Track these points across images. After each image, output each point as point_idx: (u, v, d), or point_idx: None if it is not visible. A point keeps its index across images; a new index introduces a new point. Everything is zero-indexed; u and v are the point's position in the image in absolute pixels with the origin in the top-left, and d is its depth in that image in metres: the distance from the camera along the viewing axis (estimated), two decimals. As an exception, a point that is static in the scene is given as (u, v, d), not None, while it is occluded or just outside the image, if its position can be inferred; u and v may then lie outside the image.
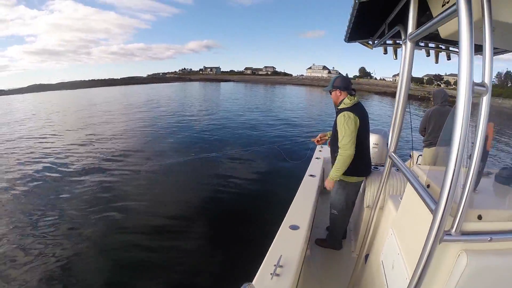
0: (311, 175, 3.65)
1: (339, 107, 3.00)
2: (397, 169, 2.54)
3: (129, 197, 6.90)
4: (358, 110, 2.92)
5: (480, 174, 1.36)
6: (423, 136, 4.69)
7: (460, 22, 1.07)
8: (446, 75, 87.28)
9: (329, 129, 3.35)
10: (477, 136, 1.11)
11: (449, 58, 2.86)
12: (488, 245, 1.20)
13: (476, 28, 1.13)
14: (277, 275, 1.78)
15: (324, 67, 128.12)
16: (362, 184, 3.32)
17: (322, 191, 4.18)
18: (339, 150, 2.87)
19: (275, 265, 1.82)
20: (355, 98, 2.98)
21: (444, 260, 1.26)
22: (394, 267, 1.71)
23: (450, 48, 2.74)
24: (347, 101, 2.94)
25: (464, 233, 1.18)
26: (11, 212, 6.36)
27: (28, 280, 4.14)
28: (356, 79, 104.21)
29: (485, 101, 1.10)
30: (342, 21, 2.42)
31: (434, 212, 1.16)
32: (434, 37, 2.56)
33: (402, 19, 2.01)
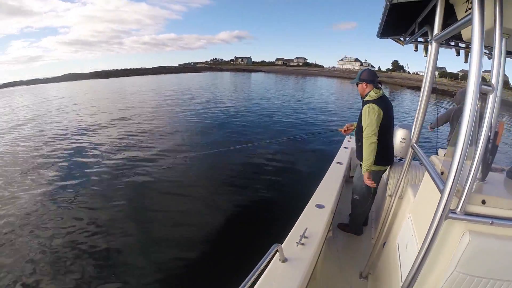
0: (338, 163, 3.85)
1: (365, 99, 3.14)
2: (420, 163, 2.68)
3: (165, 184, 7.24)
4: (383, 102, 3.05)
5: (489, 166, 1.52)
6: (431, 130, 4.79)
7: (473, 29, 1.23)
8: (482, 71, 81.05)
9: (356, 120, 3.50)
10: (482, 130, 1.26)
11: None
12: (490, 228, 1.35)
13: (491, 34, 1.30)
14: (302, 244, 2.03)
15: (356, 60, 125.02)
16: (386, 174, 3.47)
17: (348, 179, 4.36)
18: (362, 140, 3.04)
19: (300, 235, 2.06)
20: (381, 91, 3.12)
21: (449, 238, 1.43)
22: (407, 247, 1.87)
23: None
24: (373, 94, 3.07)
25: (468, 214, 1.35)
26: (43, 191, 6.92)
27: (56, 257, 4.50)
28: (389, 72, 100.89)
29: (491, 99, 1.25)
30: (374, 13, 2.51)
31: (442, 191, 1.34)
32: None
33: (430, 20, 2.12)
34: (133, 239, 4.91)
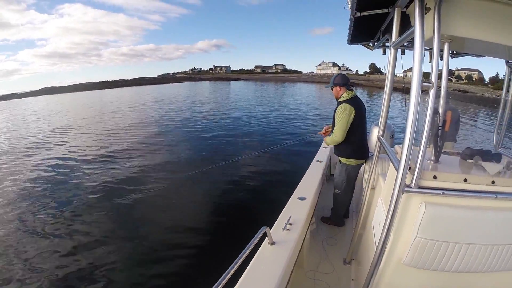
0: (318, 161, 4.18)
1: (339, 100, 3.49)
2: None
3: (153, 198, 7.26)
4: (355, 102, 3.40)
5: (440, 149, 1.82)
6: None
7: (415, 38, 1.52)
8: (457, 69, 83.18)
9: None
10: (427, 118, 1.54)
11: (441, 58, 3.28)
12: (442, 199, 1.64)
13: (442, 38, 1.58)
14: (287, 229, 2.28)
15: (334, 64, 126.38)
16: (363, 167, 3.77)
17: (328, 177, 4.65)
18: (332, 133, 3.43)
19: (285, 222, 2.32)
20: (353, 92, 3.48)
21: (410, 209, 1.71)
22: (379, 226, 2.14)
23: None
24: (345, 95, 3.44)
25: (421, 187, 1.62)
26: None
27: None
28: (366, 75, 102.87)
29: (431, 93, 1.52)
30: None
31: (397, 169, 1.61)
32: None
33: (391, 28, 2.43)
34: (126, 242, 5.21)
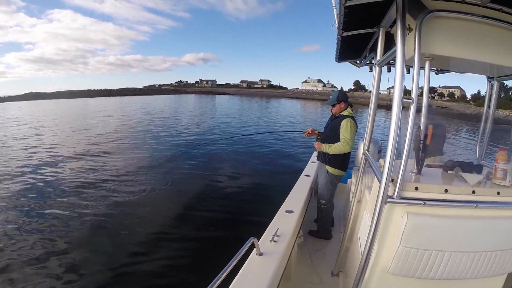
0: (306, 175, 4.26)
1: (342, 113, 3.64)
2: None
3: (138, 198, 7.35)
4: (355, 120, 3.61)
5: (422, 161, 1.90)
6: None
7: (396, 57, 1.62)
8: (440, 87, 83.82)
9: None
10: (407, 133, 1.63)
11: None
12: (423, 209, 1.72)
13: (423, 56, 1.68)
14: (275, 241, 2.31)
15: (319, 81, 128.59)
16: (349, 181, 3.86)
17: (316, 191, 4.73)
18: (341, 141, 3.51)
19: (273, 234, 2.36)
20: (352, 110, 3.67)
21: (393, 220, 1.78)
22: (365, 237, 2.20)
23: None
24: (350, 111, 3.64)
25: (403, 198, 1.70)
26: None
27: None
28: (351, 92, 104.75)
29: (412, 109, 1.62)
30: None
31: (380, 181, 1.68)
32: None
33: (376, 47, 2.54)
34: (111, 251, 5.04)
